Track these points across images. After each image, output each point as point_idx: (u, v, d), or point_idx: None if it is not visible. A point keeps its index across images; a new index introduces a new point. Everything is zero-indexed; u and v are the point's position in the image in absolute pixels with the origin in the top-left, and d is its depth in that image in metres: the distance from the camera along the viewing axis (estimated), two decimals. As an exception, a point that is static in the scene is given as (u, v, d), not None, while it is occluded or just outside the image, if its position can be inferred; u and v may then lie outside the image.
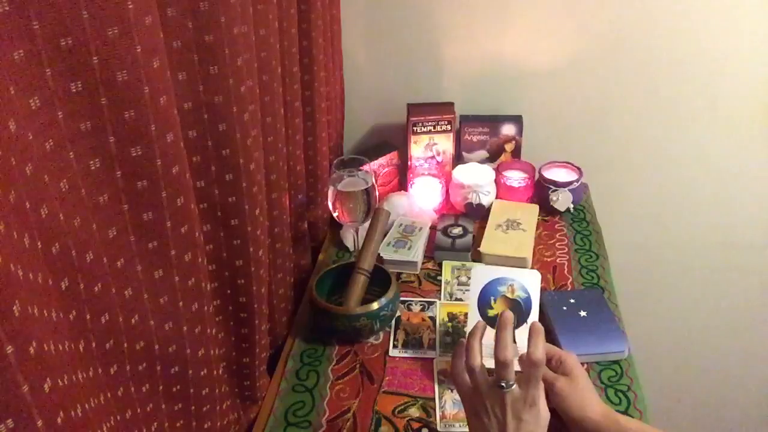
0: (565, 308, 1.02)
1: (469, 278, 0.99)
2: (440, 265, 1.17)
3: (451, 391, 0.91)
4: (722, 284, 1.61)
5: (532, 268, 1.14)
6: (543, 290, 0.96)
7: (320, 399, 0.91)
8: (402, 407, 0.90)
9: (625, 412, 0.87)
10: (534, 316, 0.87)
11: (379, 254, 1.10)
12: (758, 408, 1.80)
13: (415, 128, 1.32)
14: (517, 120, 1.37)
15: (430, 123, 1.32)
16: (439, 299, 1.09)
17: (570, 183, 1.28)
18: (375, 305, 0.96)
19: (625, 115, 1.42)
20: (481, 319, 0.84)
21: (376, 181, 1.08)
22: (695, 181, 1.48)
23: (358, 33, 1.38)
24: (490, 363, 0.73)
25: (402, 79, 1.42)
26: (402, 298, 1.08)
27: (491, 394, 0.71)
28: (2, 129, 0.39)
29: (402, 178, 1.39)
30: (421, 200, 1.31)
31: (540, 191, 1.32)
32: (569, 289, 1.11)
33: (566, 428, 0.81)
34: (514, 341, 0.80)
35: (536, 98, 1.41)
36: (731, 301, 1.63)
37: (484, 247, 1.16)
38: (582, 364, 0.85)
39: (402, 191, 1.35)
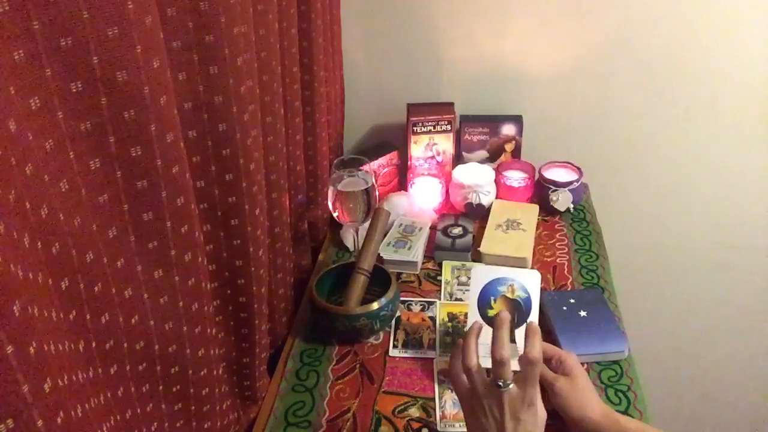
0: (565, 308, 1.02)
1: (469, 278, 0.99)
2: (440, 265, 1.17)
3: (451, 391, 0.91)
4: (722, 284, 1.61)
5: (532, 268, 1.14)
6: (543, 290, 0.96)
7: (320, 399, 0.91)
8: (402, 407, 0.90)
9: (625, 412, 0.87)
10: (534, 316, 0.87)
11: (379, 254, 1.10)
12: (758, 408, 1.80)
13: (415, 128, 1.32)
14: (517, 120, 1.37)
15: (430, 123, 1.32)
16: (439, 299, 1.09)
17: (570, 183, 1.28)
18: (375, 305, 0.96)
19: (625, 115, 1.42)
20: (480, 318, 0.85)
21: (376, 181, 1.08)
22: (695, 181, 1.48)
23: (358, 33, 1.38)
24: (488, 363, 0.73)
25: (402, 79, 1.42)
26: (402, 298, 1.08)
27: (489, 394, 0.71)
28: (2, 129, 0.39)
29: (402, 178, 1.39)
30: (421, 200, 1.30)
31: (540, 191, 1.32)
32: (569, 289, 1.11)
33: (566, 428, 0.81)
34: (514, 341, 0.80)
35: (536, 98, 1.41)
36: (731, 301, 1.63)
37: (484, 247, 1.16)
38: (582, 364, 0.85)
39: (402, 191, 1.35)
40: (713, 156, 1.45)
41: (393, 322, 1.04)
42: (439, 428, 0.86)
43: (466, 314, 0.97)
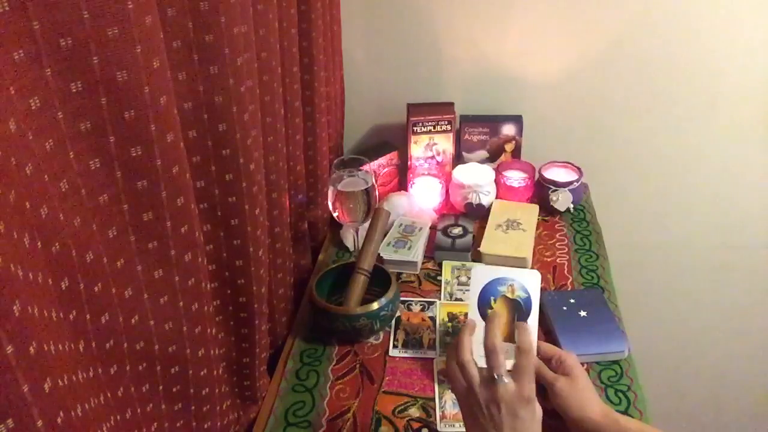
0: (565, 308, 1.02)
1: (469, 278, 0.99)
2: (440, 265, 1.17)
3: (451, 391, 0.91)
4: (722, 284, 1.61)
5: (532, 268, 1.14)
6: (543, 290, 0.96)
7: (320, 399, 0.91)
8: (402, 407, 0.90)
9: (625, 412, 0.87)
10: (534, 316, 0.87)
11: (379, 254, 1.10)
12: (758, 408, 1.80)
13: (415, 128, 1.32)
14: (517, 120, 1.37)
15: (430, 123, 1.32)
16: (439, 299, 1.09)
17: (570, 183, 1.28)
18: (375, 305, 0.96)
19: (625, 115, 1.42)
20: (480, 318, 0.84)
21: (376, 181, 1.08)
22: (695, 181, 1.48)
23: (358, 33, 1.38)
24: (483, 362, 0.72)
25: (402, 79, 1.42)
26: (402, 298, 1.08)
27: (485, 390, 0.70)
28: (2, 129, 0.39)
29: (402, 178, 1.39)
30: (421, 200, 1.31)
31: (540, 191, 1.32)
32: (569, 289, 1.11)
33: (566, 428, 0.81)
34: (514, 341, 0.80)
35: (536, 98, 1.41)
36: (731, 301, 1.63)
37: (484, 247, 1.16)
38: (582, 364, 0.85)
39: (402, 191, 1.35)
40: (713, 156, 1.45)
41: (393, 322, 1.04)
42: (439, 428, 0.86)
43: (466, 314, 0.97)
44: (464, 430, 0.75)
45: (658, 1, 1.29)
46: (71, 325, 0.50)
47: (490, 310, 0.87)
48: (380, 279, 1.02)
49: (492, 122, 1.37)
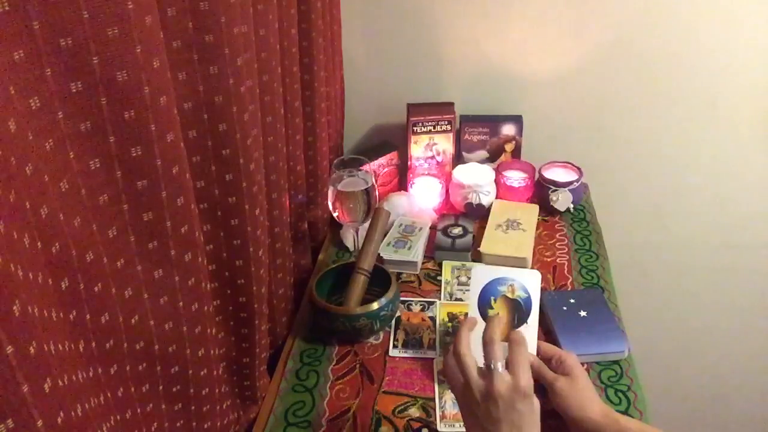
0: (565, 308, 1.02)
1: (469, 278, 0.99)
2: (440, 265, 1.17)
3: (449, 387, 0.91)
4: (722, 284, 1.61)
5: (532, 268, 1.14)
6: (543, 290, 0.96)
7: (320, 399, 0.91)
8: (402, 407, 0.90)
9: (625, 412, 0.87)
10: (534, 316, 0.87)
11: (379, 254, 1.10)
12: (758, 408, 1.80)
13: (415, 128, 1.32)
14: (517, 120, 1.37)
15: (430, 123, 1.32)
16: (439, 299, 1.09)
17: (570, 183, 1.28)
18: (375, 305, 0.96)
19: (625, 115, 1.42)
20: (480, 318, 0.84)
21: (376, 181, 1.08)
22: (695, 182, 1.48)
23: (358, 33, 1.38)
24: (481, 361, 0.72)
25: (402, 79, 1.42)
26: (402, 298, 1.08)
27: (481, 382, 0.69)
28: (2, 129, 0.39)
29: (402, 178, 1.39)
30: (421, 200, 1.31)
31: (540, 191, 1.32)
32: (569, 289, 1.11)
33: (566, 428, 0.81)
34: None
35: (536, 98, 1.41)
36: (731, 301, 1.63)
37: (484, 247, 1.16)
38: (582, 364, 0.85)
39: (402, 191, 1.35)
40: (713, 156, 1.45)
41: (393, 322, 1.04)
42: (439, 428, 0.86)
43: (466, 314, 0.97)
44: (464, 430, 0.75)
45: (659, 1, 1.29)
46: (71, 325, 0.50)
47: (490, 310, 0.87)
48: (380, 279, 1.02)
49: (492, 122, 1.37)
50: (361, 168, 1.07)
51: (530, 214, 1.26)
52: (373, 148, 1.38)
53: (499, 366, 0.69)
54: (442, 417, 0.88)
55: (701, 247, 1.56)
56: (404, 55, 1.40)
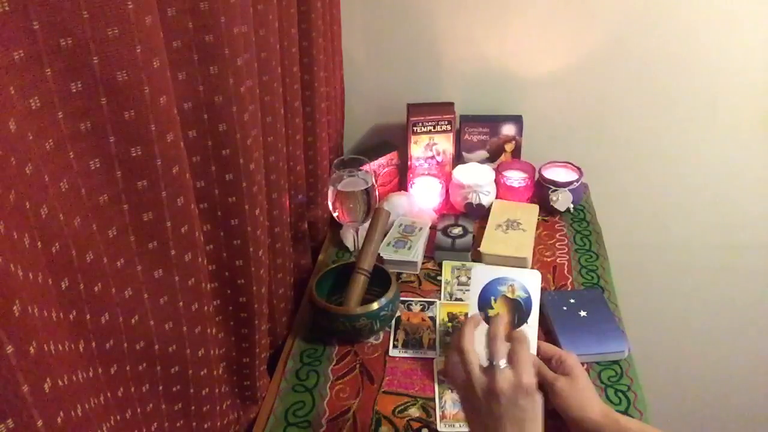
0: (565, 308, 1.02)
1: (469, 278, 0.99)
2: (440, 265, 1.17)
3: (451, 391, 0.91)
4: (722, 284, 1.61)
5: (532, 268, 1.14)
6: (543, 290, 0.96)
7: (320, 399, 0.91)
8: (402, 407, 0.90)
9: (625, 412, 0.87)
10: (534, 316, 0.87)
11: (379, 254, 1.10)
12: (758, 408, 1.80)
13: (415, 128, 1.32)
14: (517, 120, 1.37)
15: (430, 123, 1.32)
16: (439, 299, 1.09)
17: (570, 183, 1.28)
18: (375, 305, 0.96)
19: (625, 115, 1.42)
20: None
21: (376, 181, 1.08)
22: (695, 182, 1.48)
23: (358, 33, 1.38)
24: (483, 359, 0.72)
25: (402, 79, 1.42)
26: (402, 298, 1.08)
27: (483, 378, 0.69)
28: (2, 129, 0.39)
29: (402, 178, 1.39)
30: (421, 200, 1.31)
31: (540, 191, 1.32)
32: (569, 289, 1.11)
33: (566, 428, 0.81)
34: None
35: (536, 98, 1.41)
36: (731, 301, 1.63)
37: (484, 247, 1.16)
38: (582, 364, 0.85)
39: (402, 191, 1.35)
40: (713, 156, 1.45)
41: (393, 322, 1.04)
42: (439, 428, 0.86)
43: (466, 314, 0.97)
44: (465, 430, 0.75)
45: (658, 1, 1.29)
46: (71, 325, 0.50)
47: (490, 310, 0.87)
48: (380, 279, 1.02)
49: (492, 122, 1.37)
50: (361, 168, 1.07)
51: (530, 214, 1.26)
52: (373, 148, 1.38)
53: (502, 363, 0.69)
54: (442, 417, 0.88)
55: (701, 247, 1.56)
56: (404, 55, 1.40)
